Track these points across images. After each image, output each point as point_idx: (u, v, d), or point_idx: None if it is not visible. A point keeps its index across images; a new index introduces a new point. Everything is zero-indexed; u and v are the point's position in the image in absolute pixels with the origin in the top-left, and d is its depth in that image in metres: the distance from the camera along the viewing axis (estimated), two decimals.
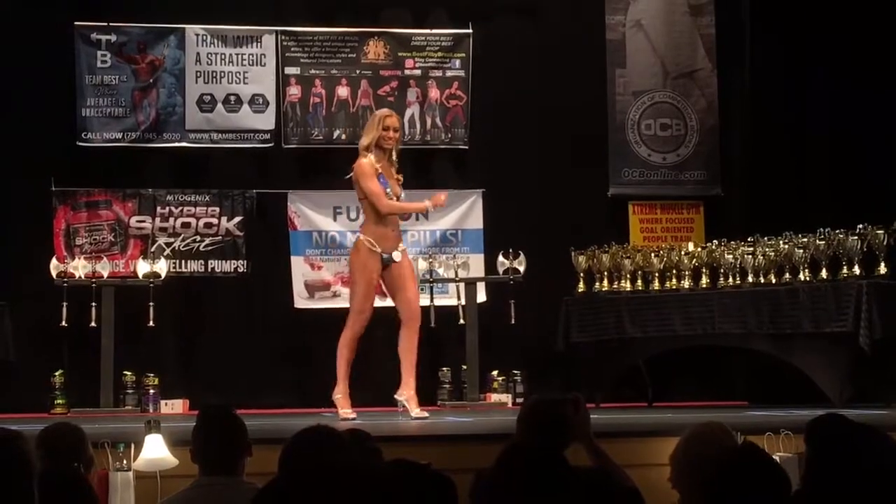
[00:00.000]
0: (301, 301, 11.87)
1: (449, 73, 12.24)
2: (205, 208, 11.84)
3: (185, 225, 11.81)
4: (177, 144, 11.83)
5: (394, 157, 9.30)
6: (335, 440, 3.92)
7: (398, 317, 9.48)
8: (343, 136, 12.06)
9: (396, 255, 9.29)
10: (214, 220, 11.83)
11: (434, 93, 12.20)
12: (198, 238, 11.81)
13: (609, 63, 12.47)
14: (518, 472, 3.39)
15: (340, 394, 9.39)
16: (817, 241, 9.96)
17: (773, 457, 5.45)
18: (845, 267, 9.80)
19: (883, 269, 9.71)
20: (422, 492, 2.37)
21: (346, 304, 11.79)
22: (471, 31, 12.20)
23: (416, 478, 2.56)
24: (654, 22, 12.50)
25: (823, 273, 9.92)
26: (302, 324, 11.87)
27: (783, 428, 6.39)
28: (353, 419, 8.97)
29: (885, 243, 9.72)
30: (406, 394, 9.33)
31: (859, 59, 11.71)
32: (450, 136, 12.21)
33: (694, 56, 12.53)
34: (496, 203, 12.07)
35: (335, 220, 12.00)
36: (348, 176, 9.41)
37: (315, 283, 11.92)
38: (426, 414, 9.24)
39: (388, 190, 9.22)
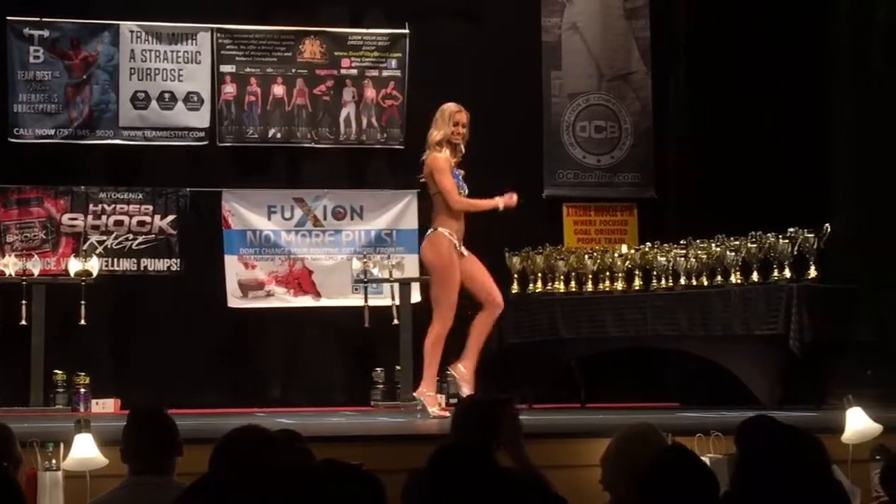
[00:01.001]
0: (234, 300, 11.81)
1: (385, 73, 12.23)
2: (138, 206, 11.75)
3: (118, 223, 11.72)
4: (110, 142, 11.74)
5: (461, 152, 9.22)
6: (265, 440, 3.91)
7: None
8: (278, 135, 12.02)
9: (464, 250, 9.21)
10: (148, 219, 11.76)
11: (370, 92, 12.19)
12: (130, 236, 11.73)
13: (545, 65, 12.52)
14: (449, 472, 3.40)
15: (433, 391, 9.24)
16: (749, 244, 10.03)
17: (703, 458, 5.49)
18: (776, 270, 9.88)
19: (813, 272, 9.80)
20: (349, 491, 2.37)
21: (280, 304, 11.85)
22: (407, 31, 12.20)
23: (343, 477, 2.56)
24: (590, 24, 12.56)
25: (755, 276, 10.00)
26: (235, 323, 11.82)
27: (713, 429, 6.42)
28: (447, 417, 8.88)
29: (815, 247, 9.81)
30: (459, 371, 9.19)
31: (792, 62, 11.81)
32: (385, 135, 12.20)
33: (629, 59, 12.60)
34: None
35: (269, 219, 11.96)
36: (421, 178, 9.30)
37: (249, 283, 11.87)
38: (447, 414, 9.08)
39: (461, 183, 9.17)
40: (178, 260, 11.76)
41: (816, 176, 11.57)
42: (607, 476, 4.48)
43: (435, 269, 9.18)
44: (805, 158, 11.69)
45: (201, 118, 11.88)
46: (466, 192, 9.24)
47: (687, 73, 12.29)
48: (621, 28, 12.59)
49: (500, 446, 4.88)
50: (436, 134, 9.15)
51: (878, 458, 5.69)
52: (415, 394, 9.37)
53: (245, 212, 11.89)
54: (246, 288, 11.86)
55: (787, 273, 9.81)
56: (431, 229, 9.21)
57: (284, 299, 11.91)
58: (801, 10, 11.69)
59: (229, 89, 11.96)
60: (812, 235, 9.78)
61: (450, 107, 9.25)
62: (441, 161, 9.07)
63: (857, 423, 6.48)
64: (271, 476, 1.79)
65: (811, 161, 11.66)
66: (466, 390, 9.03)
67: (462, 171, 9.34)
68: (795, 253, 9.83)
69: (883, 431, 6.41)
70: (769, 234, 9.96)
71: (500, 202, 9.20)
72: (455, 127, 9.11)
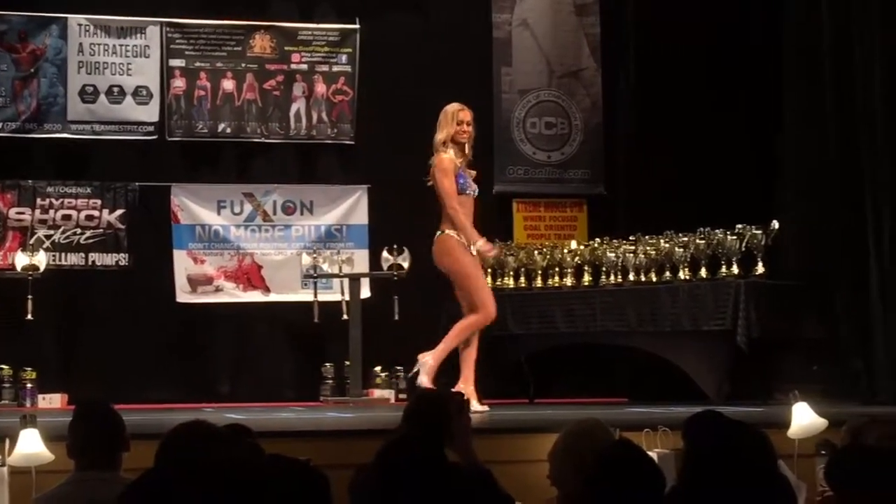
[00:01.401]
0: (183, 295, 11.76)
1: (335, 69, 12.20)
2: (86, 200, 11.68)
3: (66, 217, 11.64)
4: (58, 135, 11.66)
5: (467, 152, 9.18)
6: (212, 435, 3.90)
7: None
8: (228, 130, 11.98)
9: (472, 249, 9.20)
10: (96, 213, 11.68)
11: (320, 88, 12.16)
12: (78, 230, 11.65)
13: (495, 61, 12.53)
14: (398, 466, 3.40)
15: (471, 386, 9.20)
16: (697, 240, 10.09)
17: (651, 453, 5.52)
18: (724, 266, 9.95)
19: (761, 268, 9.86)
20: (294, 487, 2.37)
21: (229, 299, 11.81)
22: (358, 26, 12.17)
23: (288, 472, 2.55)
24: (541, 21, 12.58)
25: (703, 272, 10.06)
26: (184, 318, 11.77)
27: (661, 425, 6.46)
28: (487, 411, 8.84)
29: (762, 243, 9.87)
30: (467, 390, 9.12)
31: (740, 59, 11.89)
32: (336, 131, 12.18)
33: (579, 55, 12.63)
34: (381, 199, 12.06)
35: (219, 213, 11.91)
36: (428, 181, 9.29)
37: (198, 278, 11.82)
38: (487, 408, 9.10)
39: (469, 184, 9.17)
40: (127, 254, 11.69)
41: (764, 173, 11.65)
42: (555, 471, 4.50)
43: (451, 271, 9.23)
44: (753, 155, 11.76)
45: (150, 112, 11.82)
46: (476, 192, 9.26)
47: (636, 69, 12.33)
48: (571, 24, 12.62)
49: (448, 446, 4.90)
50: (439, 135, 9.18)
51: (823, 452, 5.74)
52: (419, 357, 9.39)
53: (194, 206, 11.84)
54: (195, 283, 11.82)
55: (735, 269, 9.87)
56: (438, 231, 9.19)
57: (233, 294, 11.87)
58: (750, 6, 11.75)
59: (178, 84, 11.90)
60: (760, 232, 9.85)
61: (452, 106, 9.34)
62: (446, 161, 9.10)
63: (803, 418, 6.54)
64: (216, 471, 1.79)
65: (759, 158, 11.73)
66: (426, 382, 9.03)
67: (473, 172, 9.34)
68: (743, 249, 9.90)
69: (828, 426, 6.46)
70: (717, 231, 10.02)
71: (479, 244, 9.17)
72: (459, 126, 9.13)
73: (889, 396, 9.57)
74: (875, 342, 9.83)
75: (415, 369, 9.24)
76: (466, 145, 9.16)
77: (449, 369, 9.57)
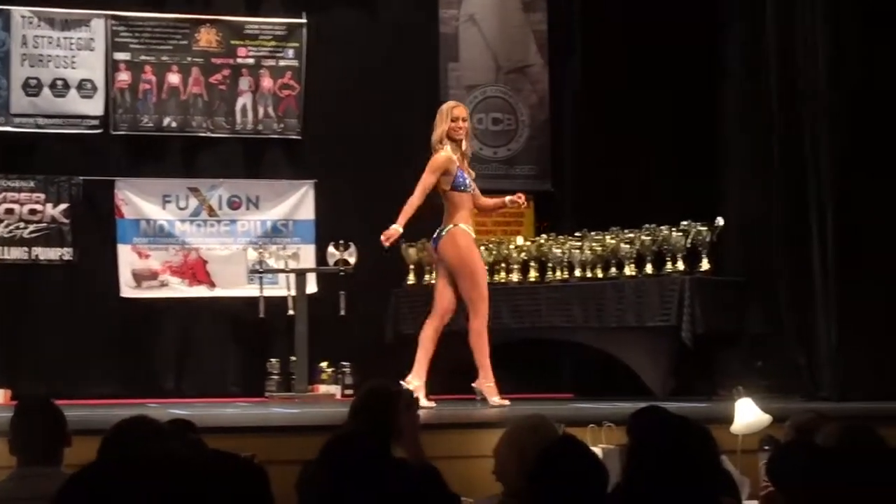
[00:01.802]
0: (128, 290, 11.69)
1: (282, 63, 12.17)
2: (29, 194, 11.58)
3: (9, 211, 11.54)
4: (1, 129, 11.55)
5: (464, 148, 9.15)
6: (154, 430, 3.89)
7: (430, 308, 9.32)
8: (173, 124, 11.91)
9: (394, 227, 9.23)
10: (39, 207, 11.59)
11: (267, 82, 12.12)
12: (22, 224, 11.55)
13: (442, 56, 12.53)
14: (342, 462, 3.39)
15: (491, 381, 9.16)
16: (643, 236, 10.14)
17: (596, 449, 5.54)
18: (670, 262, 10.00)
19: (706, 264, 9.92)
20: (232, 482, 2.36)
21: (174, 294, 11.75)
22: (305, 20, 12.14)
23: (226, 468, 2.54)
24: (488, 17, 12.59)
25: (648, 268, 10.10)
26: (129, 313, 11.71)
27: (606, 420, 6.48)
28: (507, 405, 8.83)
29: (707, 240, 9.93)
30: (482, 381, 9.14)
31: (684, 55, 11.94)
32: (282, 125, 12.14)
33: (526, 51, 12.65)
34: (328, 194, 12.04)
35: (164, 208, 11.85)
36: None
37: (142, 272, 11.75)
38: (508, 402, 9.04)
39: (468, 182, 9.12)
40: (71, 249, 11.60)
41: (709, 170, 11.71)
42: (499, 467, 4.51)
43: (456, 265, 9.17)
44: (698, 152, 11.82)
45: (95, 106, 11.73)
46: (475, 190, 9.24)
47: (583, 66, 12.36)
48: (518, 20, 12.64)
49: (397, 438, 4.90)
50: (435, 133, 9.18)
51: (766, 448, 5.76)
52: (474, 385, 9.26)
53: (139, 201, 11.77)
54: (140, 278, 11.75)
55: (681, 265, 9.92)
56: (450, 226, 9.16)
57: (179, 289, 11.81)
58: (693, 4, 11.81)
59: (123, 77, 11.83)
60: (705, 228, 9.91)
61: (447, 104, 9.43)
62: (438, 160, 9.10)
63: (747, 413, 6.57)
64: (154, 466, 1.78)
65: (705, 155, 11.79)
66: (498, 400, 9.01)
67: (472, 173, 9.32)
68: (688, 246, 9.95)
69: (772, 422, 6.49)
70: (663, 227, 10.07)
71: (393, 227, 9.22)
72: (454, 122, 9.12)
73: (831, 392, 9.65)
74: (817, 338, 9.90)
75: (479, 398, 9.19)
76: (463, 142, 9.14)
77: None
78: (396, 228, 9.19)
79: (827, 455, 3.56)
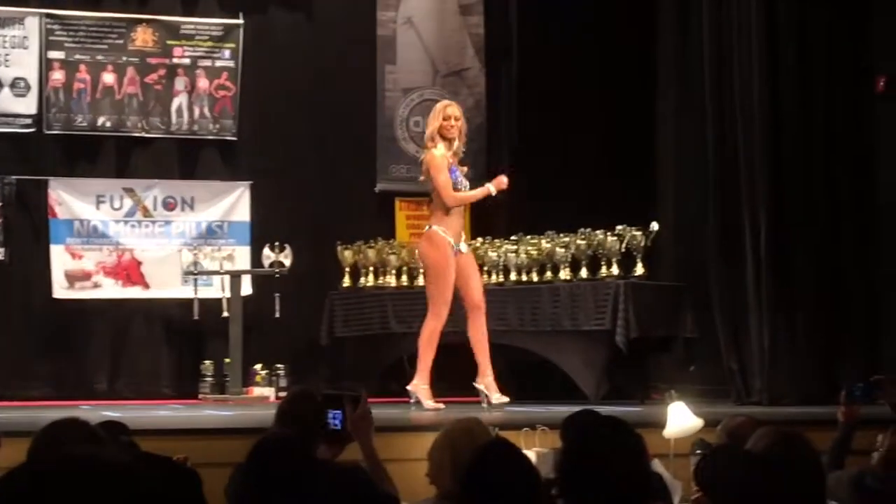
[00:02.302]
0: (61, 291, 11.59)
1: (218, 64, 12.11)
2: None
3: None
4: None
5: (456, 146, 9.12)
6: (86, 432, 3.86)
7: (462, 306, 9.30)
8: (108, 124, 11.82)
9: (463, 247, 9.21)
10: None
11: (203, 83, 12.05)
12: None
13: (379, 59, 12.52)
14: (266, 465, 3.40)
15: (426, 384, 9.17)
16: (578, 240, 10.18)
17: (530, 452, 5.56)
18: (604, 267, 10.05)
19: (640, 269, 9.97)
20: (164, 485, 2.35)
21: (108, 295, 11.66)
22: (241, 21, 12.09)
23: (158, 471, 2.54)
24: (425, 20, 12.59)
25: (583, 272, 10.14)
26: (61, 314, 11.60)
27: (540, 424, 6.50)
28: (442, 409, 8.85)
29: (642, 245, 9.99)
30: (485, 381, 9.14)
31: (620, 61, 12.02)
32: (218, 126, 12.08)
33: (463, 55, 12.67)
34: (264, 196, 12.00)
35: (98, 208, 11.75)
36: (421, 177, 9.23)
37: (75, 273, 11.65)
38: (507, 399, 9.02)
39: (460, 179, 9.09)
40: (3, 249, 11.46)
41: (645, 175, 11.79)
42: (433, 469, 4.52)
43: (429, 265, 9.20)
44: (635, 157, 11.89)
45: (28, 105, 11.62)
46: (467, 187, 9.21)
47: (520, 69, 12.40)
48: (456, 24, 12.65)
49: (348, 439, 4.92)
50: (427, 130, 9.19)
51: (698, 452, 5.81)
52: (408, 387, 9.28)
53: (72, 201, 11.67)
54: (73, 278, 11.65)
55: (615, 270, 9.97)
56: (427, 227, 9.17)
57: (112, 290, 11.72)
58: (629, 9, 11.89)
59: (58, 76, 11.72)
60: (640, 233, 9.96)
61: (441, 103, 9.44)
62: (437, 158, 9.08)
63: (679, 417, 6.61)
64: (85, 469, 1.77)
65: (641, 160, 11.87)
66: (498, 396, 9.02)
67: (464, 168, 9.30)
68: (623, 250, 10.00)
69: (704, 426, 6.54)
70: (598, 232, 10.12)
71: (490, 188, 9.23)
72: (447, 121, 9.10)
73: (763, 396, 9.74)
74: (749, 344, 9.99)
75: (412, 401, 9.17)
76: (456, 141, 9.14)
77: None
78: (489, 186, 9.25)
79: (754, 461, 3.59)
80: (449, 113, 9.18)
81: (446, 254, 9.03)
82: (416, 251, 9.45)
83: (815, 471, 3.69)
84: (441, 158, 9.07)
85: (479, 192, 9.28)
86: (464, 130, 9.32)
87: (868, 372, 9.20)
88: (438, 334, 9.18)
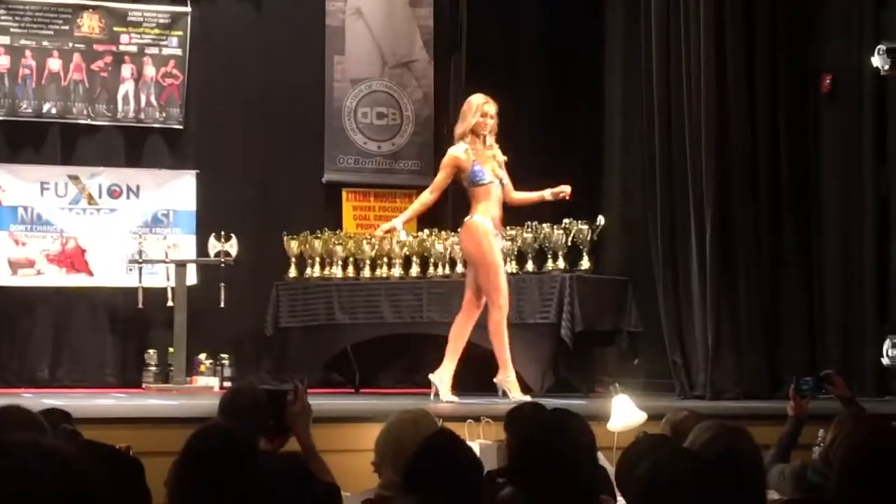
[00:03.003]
0: (3, 277, 11.50)
1: (166, 51, 12.04)
2: None
3: None
4: None
5: (489, 142, 9.03)
6: (29, 420, 3.83)
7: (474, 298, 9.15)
8: (53, 110, 11.73)
9: (499, 241, 9.15)
10: None
11: (150, 70, 11.98)
12: None
13: (328, 49, 12.49)
14: (204, 455, 3.39)
15: (512, 376, 9.01)
16: (524, 233, 10.19)
17: (473, 444, 5.57)
18: (550, 260, 10.07)
19: (586, 263, 10.00)
20: (107, 473, 2.34)
21: (51, 283, 11.57)
22: (189, 9, 12.03)
23: (100, 459, 2.53)
24: (374, 11, 12.58)
25: (529, 265, 10.16)
26: (3, 301, 11.51)
27: (484, 416, 6.52)
28: (457, 402, 8.75)
29: (588, 238, 10.01)
30: (504, 377, 9.00)
31: (568, 53, 12.06)
32: (164, 114, 12.01)
33: (412, 46, 12.67)
34: (210, 185, 11.95)
35: (42, 195, 11.67)
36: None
37: (19, 260, 11.56)
38: (528, 397, 8.83)
39: (485, 175, 9.00)
40: None
41: (592, 169, 11.83)
42: (378, 459, 4.53)
43: (473, 257, 9.09)
44: (582, 150, 11.93)
45: None
46: (496, 181, 9.07)
47: (468, 62, 12.41)
48: (405, 15, 12.64)
49: (289, 431, 4.92)
50: (459, 126, 9.11)
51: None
52: (495, 380, 9.10)
53: (17, 188, 11.58)
54: (16, 266, 11.56)
55: (561, 263, 10.00)
56: (467, 217, 9.09)
57: (56, 278, 11.64)
58: (578, 4, 11.93)
59: (2, 61, 11.62)
60: (586, 227, 9.99)
61: (477, 98, 9.17)
62: (447, 159, 9.06)
63: (623, 410, 6.65)
64: (26, 457, 1.76)
65: (588, 153, 11.91)
66: (451, 397, 8.95)
67: (500, 162, 9.16)
68: (569, 244, 10.03)
69: (647, 419, 6.58)
70: (544, 225, 10.13)
71: (546, 194, 9.17)
72: (483, 118, 9.01)
73: (706, 391, 9.80)
74: (693, 338, 10.06)
75: (500, 393, 9.08)
76: (487, 136, 9.08)
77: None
78: (393, 224, 9.23)
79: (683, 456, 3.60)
80: (486, 110, 9.10)
81: (489, 241, 8.97)
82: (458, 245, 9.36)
83: (756, 464, 3.72)
84: (451, 158, 9.05)
85: (533, 196, 9.23)
86: (495, 127, 9.18)
87: (810, 367, 9.32)
88: (505, 325, 9.03)
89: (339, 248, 11.12)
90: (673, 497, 2.96)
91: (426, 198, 9.26)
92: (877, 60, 9.59)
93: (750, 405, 9.14)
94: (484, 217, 9.00)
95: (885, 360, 9.48)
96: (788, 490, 5.22)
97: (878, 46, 9.60)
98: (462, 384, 11.39)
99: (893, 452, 3.47)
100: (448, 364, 9.13)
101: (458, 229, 9.45)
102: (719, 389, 9.76)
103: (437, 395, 9.05)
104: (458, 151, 9.05)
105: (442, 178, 9.15)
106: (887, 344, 9.44)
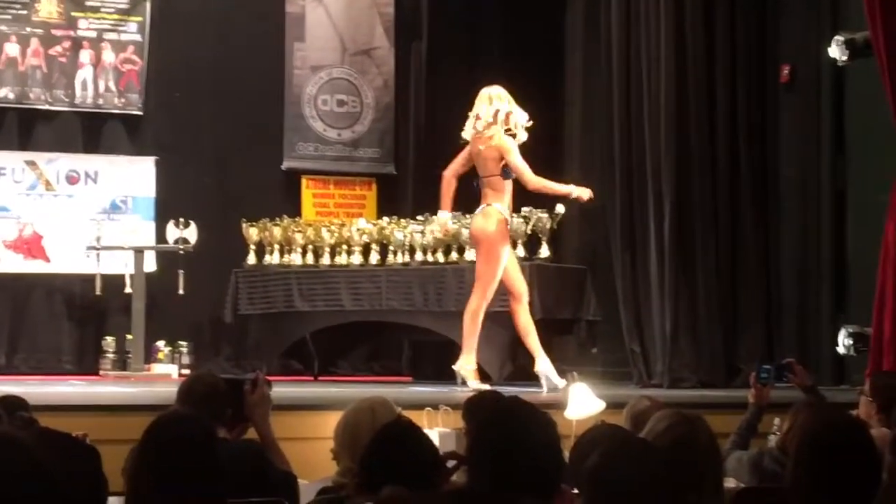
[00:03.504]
0: None
1: (124, 37, 11.97)
2: None
3: None
4: None
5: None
6: None
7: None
8: (10, 96, 11.64)
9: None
10: None
11: (108, 56, 11.91)
12: None
13: (288, 36, 12.45)
14: (162, 443, 3.38)
15: (473, 365, 8.99)
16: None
17: (432, 431, 5.59)
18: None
19: (545, 251, 10.02)
20: (65, 462, 2.34)
21: (9, 269, 11.50)
22: None
23: (56, 447, 2.52)
24: None
25: None
26: None
27: (443, 404, 6.53)
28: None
29: (548, 227, 10.03)
30: (544, 366, 8.94)
31: (528, 41, 12.08)
32: (123, 100, 11.94)
33: (372, 34, 12.64)
34: (169, 171, 11.89)
35: None
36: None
37: None
38: (486, 386, 8.82)
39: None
40: None
41: (552, 157, 11.84)
42: (336, 447, 4.53)
43: (482, 242, 9.04)
44: (541, 139, 11.93)
45: None
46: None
47: (428, 50, 12.40)
48: (365, 3, 12.61)
49: (247, 420, 4.94)
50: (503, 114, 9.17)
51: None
52: (455, 367, 9.09)
53: None
54: None
55: (521, 252, 10.00)
56: (485, 204, 9.03)
57: (13, 264, 11.56)
58: None
59: None
60: (546, 216, 10.00)
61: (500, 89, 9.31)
62: (511, 141, 9.10)
63: (581, 399, 6.67)
64: None
65: (548, 142, 11.92)
66: (478, 384, 8.81)
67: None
68: (529, 232, 10.04)
69: (605, 408, 6.61)
70: None
71: (573, 189, 9.18)
72: None
73: (664, 379, 9.85)
74: (651, 326, 10.10)
75: (459, 381, 9.03)
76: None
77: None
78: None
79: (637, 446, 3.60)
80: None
81: (501, 231, 8.98)
82: (470, 228, 9.31)
83: (712, 452, 3.74)
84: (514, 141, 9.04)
85: (560, 188, 9.23)
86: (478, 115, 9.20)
87: (767, 356, 9.38)
88: (481, 315, 9.04)
89: (298, 236, 11.10)
90: (622, 488, 2.97)
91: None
92: (834, 51, 9.66)
93: (707, 394, 9.20)
94: (503, 206, 9.03)
95: (840, 350, 9.55)
96: (746, 477, 5.26)
97: (836, 37, 9.66)
98: (421, 371, 11.46)
99: (847, 440, 3.50)
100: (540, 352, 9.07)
101: (473, 213, 9.30)
102: (677, 378, 9.81)
103: (463, 383, 9.01)
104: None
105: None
106: (843, 333, 9.50)
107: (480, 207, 9.11)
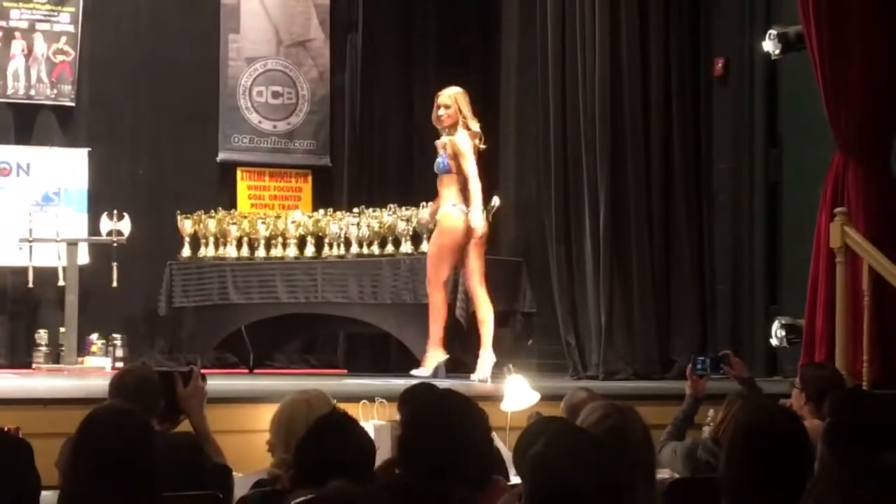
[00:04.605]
0: None
1: (57, 28, 11.86)
2: None
3: None
4: None
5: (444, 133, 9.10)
6: None
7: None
8: None
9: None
10: None
11: (40, 47, 11.79)
12: None
13: (223, 27, 12.39)
14: (96, 436, 3.37)
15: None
16: (420, 213, 10.20)
17: (367, 424, 5.59)
18: None
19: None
20: None
21: None
22: None
23: None
24: None
25: (424, 246, 10.17)
26: None
27: (379, 396, 6.53)
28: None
29: (484, 219, 10.03)
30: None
31: (465, 35, 12.09)
32: (56, 92, 11.84)
33: (308, 26, 12.60)
34: (102, 163, 11.81)
35: None
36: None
37: None
38: (428, 374, 8.84)
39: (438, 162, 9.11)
40: None
41: (487, 150, 11.84)
42: (272, 439, 4.53)
43: (446, 242, 9.07)
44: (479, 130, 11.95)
45: None
46: (436, 168, 9.12)
47: (364, 42, 12.39)
48: None
49: (180, 412, 4.92)
50: (461, 117, 9.18)
51: None
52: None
53: None
54: None
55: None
56: (452, 203, 9.04)
57: None
58: None
59: None
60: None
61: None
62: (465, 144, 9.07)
63: (517, 391, 6.69)
64: None
65: (484, 135, 11.93)
66: (423, 373, 8.86)
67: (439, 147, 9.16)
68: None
69: (540, 399, 6.63)
70: None
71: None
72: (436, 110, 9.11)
73: (599, 371, 9.89)
74: (587, 318, 10.14)
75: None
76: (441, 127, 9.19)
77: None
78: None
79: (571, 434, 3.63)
80: (438, 102, 9.21)
81: (463, 235, 8.98)
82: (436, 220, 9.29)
83: (644, 443, 3.77)
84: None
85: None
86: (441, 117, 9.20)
87: (701, 348, 9.45)
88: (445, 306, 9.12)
89: (233, 228, 11.05)
90: (563, 470, 2.99)
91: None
92: (768, 45, 9.75)
93: (641, 385, 9.25)
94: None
95: (773, 341, 9.64)
96: (680, 467, 5.30)
97: (770, 31, 9.75)
98: (356, 364, 11.46)
99: (780, 431, 3.53)
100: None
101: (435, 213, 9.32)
102: (612, 370, 9.85)
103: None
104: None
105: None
106: (776, 325, 9.60)
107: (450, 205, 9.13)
